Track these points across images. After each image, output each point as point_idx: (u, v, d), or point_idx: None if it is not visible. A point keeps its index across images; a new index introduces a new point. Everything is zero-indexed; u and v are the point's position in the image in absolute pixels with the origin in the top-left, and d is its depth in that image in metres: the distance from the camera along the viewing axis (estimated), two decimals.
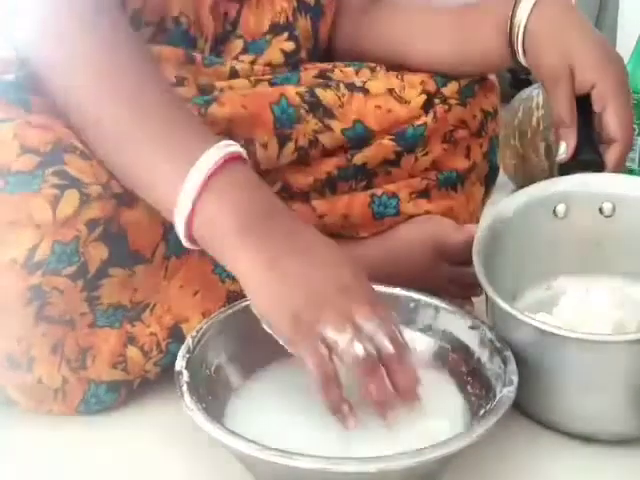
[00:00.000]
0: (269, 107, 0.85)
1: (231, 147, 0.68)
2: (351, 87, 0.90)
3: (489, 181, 1.01)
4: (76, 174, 0.69)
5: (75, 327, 0.72)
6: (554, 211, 0.84)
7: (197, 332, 0.72)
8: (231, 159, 0.67)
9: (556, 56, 0.85)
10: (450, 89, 0.93)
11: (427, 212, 0.94)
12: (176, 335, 0.76)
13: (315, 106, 0.87)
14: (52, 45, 0.72)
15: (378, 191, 0.92)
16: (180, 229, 0.67)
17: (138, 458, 0.72)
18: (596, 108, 0.84)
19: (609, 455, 0.73)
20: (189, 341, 0.70)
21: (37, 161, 0.68)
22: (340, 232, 0.92)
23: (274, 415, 0.69)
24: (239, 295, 0.77)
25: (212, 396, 0.69)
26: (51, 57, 0.72)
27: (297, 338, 0.63)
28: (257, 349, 0.75)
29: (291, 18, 0.90)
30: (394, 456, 0.59)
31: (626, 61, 1.08)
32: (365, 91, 0.90)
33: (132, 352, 0.75)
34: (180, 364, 0.68)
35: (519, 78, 1.53)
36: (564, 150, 0.85)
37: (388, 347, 0.61)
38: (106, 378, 0.75)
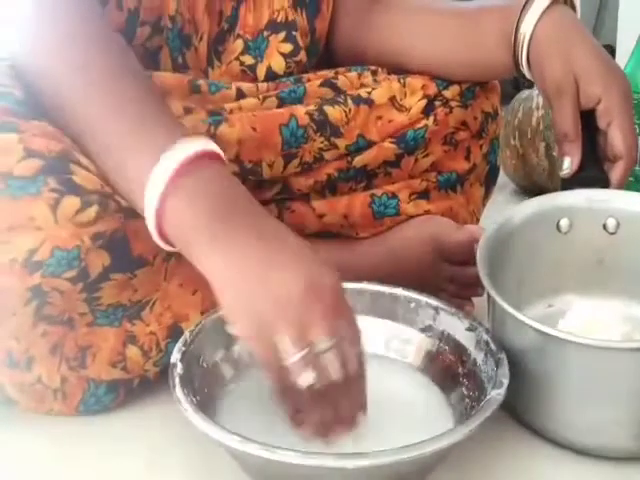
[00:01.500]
0: (278, 129, 0.85)
1: (202, 143, 0.66)
2: (357, 100, 0.90)
3: (489, 181, 1.01)
4: (80, 182, 0.68)
5: (74, 327, 0.73)
6: (557, 226, 0.83)
7: (196, 326, 0.72)
8: (202, 156, 0.65)
9: (561, 69, 0.84)
10: (452, 92, 0.93)
11: (427, 212, 0.94)
12: (175, 334, 0.76)
13: (323, 125, 0.87)
14: (38, 54, 0.71)
15: (378, 191, 0.92)
16: (151, 227, 0.65)
17: (138, 457, 0.72)
18: (601, 124, 0.83)
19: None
20: (187, 335, 0.71)
21: (40, 165, 0.67)
22: (340, 232, 0.92)
23: (269, 412, 0.69)
24: None
25: (208, 389, 0.69)
26: (37, 65, 0.71)
27: (256, 344, 0.62)
28: None
29: (290, 17, 0.90)
30: (372, 453, 0.58)
31: (626, 61, 1.08)
32: (370, 102, 0.90)
33: (132, 351, 0.75)
34: (175, 357, 0.68)
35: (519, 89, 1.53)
36: (568, 165, 0.84)
37: (336, 374, 0.60)
38: (105, 377, 0.75)
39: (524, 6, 0.86)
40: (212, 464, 0.70)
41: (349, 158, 0.90)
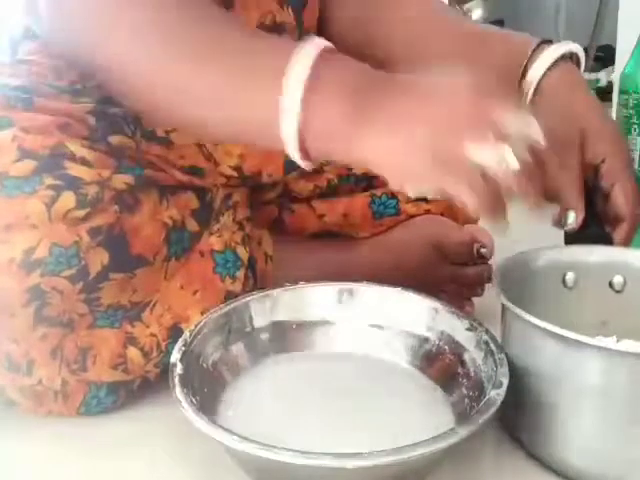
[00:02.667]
0: None
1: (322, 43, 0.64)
2: None
3: None
4: (75, 174, 0.69)
5: (74, 329, 0.73)
6: (563, 280, 0.80)
7: (195, 326, 0.72)
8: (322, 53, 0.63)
9: (567, 123, 0.82)
10: None
11: (427, 211, 0.94)
12: (176, 335, 0.76)
13: None
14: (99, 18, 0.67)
15: (378, 191, 0.92)
16: (291, 137, 0.62)
17: (138, 457, 0.72)
18: (604, 184, 0.81)
19: None
20: (186, 335, 0.71)
21: (34, 165, 0.68)
22: (340, 232, 0.92)
23: (269, 411, 0.70)
24: (237, 295, 0.79)
25: (208, 389, 0.69)
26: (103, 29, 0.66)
27: (446, 177, 0.59)
28: (254, 345, 0.76)
29: (278, 18, 0.90)
30: (372, 453, 0.58)
31: (626, 61, 1.08)
32: None
33: (132, 353, 0.75)
34: (175, 357, 0.68)
35: None
36: (573, 220, 0.83)
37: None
38: (106, 379, 0.75)
39: (530, 56, 0.84)
40: (212, 464, 0.69)
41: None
